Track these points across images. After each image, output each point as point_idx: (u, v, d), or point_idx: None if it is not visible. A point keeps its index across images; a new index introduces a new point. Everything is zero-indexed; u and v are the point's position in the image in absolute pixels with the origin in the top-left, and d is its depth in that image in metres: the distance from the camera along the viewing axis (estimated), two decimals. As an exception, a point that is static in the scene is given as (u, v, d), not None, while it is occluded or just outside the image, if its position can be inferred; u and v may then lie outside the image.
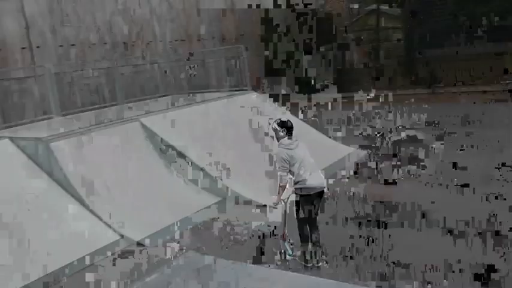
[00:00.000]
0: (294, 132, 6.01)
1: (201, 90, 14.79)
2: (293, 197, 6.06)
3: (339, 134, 12.98)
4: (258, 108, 12.14)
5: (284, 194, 5.99)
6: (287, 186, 5.94)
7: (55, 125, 10.67)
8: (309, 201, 5.88)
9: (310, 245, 5.99)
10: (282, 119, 6.09)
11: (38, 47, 12.73)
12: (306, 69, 21.32)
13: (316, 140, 11.60)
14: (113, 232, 7.54)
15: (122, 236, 7.50)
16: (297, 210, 6.03)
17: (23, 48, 12.43)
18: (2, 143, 8.92)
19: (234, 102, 12.34)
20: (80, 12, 13.82)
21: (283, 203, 6.10)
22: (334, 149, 11.80)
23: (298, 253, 6.12)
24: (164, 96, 15.07)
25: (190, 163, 9.50)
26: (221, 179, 9.19)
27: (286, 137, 5.93)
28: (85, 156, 8.74)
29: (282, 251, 6.21)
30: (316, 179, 5.92)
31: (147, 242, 7.36)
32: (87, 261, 6.86)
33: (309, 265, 5.91)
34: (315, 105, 18.65)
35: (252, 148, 10.24)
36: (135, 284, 2.98)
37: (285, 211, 6.17)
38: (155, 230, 7.67)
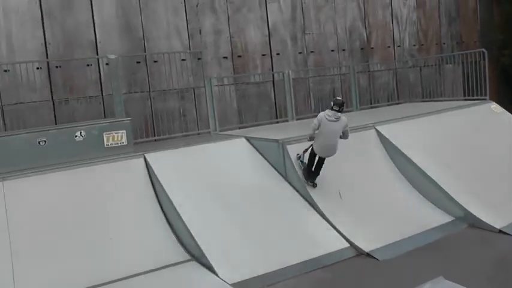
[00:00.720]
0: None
1: (435, 98, 13.99)
2: None
3: None
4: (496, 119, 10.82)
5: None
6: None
7: (290, 129, 10.91)
8: (313, 155, 7.94)
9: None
10: (338, 98, 7.96)
11: (277, 53, 13.10)
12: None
13: None
14: (343, 239, 7.32)
15: (351, 245, 7.24)
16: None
17: (263, 55, 12.90)
18: (238, 142, 9.46)
19: (471, 113, 11.07)
20: (321, 19, 13.88)
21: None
22: None
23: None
24: (398, 103, 14.64)
25: (424, 176, 8.69)
26: (456, 197, 8.20)
27: (331, 108, 7.59)
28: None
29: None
30: (322, 150, 7.82)
31: (378, 254, 6.93)
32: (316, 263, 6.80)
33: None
34: None
35: (489, 165, 9.09)
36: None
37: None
38: (385, 243, 7.22)
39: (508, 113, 11.31)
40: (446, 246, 7.15)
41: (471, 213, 7.83)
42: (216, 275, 6.37)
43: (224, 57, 12.28)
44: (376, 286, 6.03)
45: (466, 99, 13.01)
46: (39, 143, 8.35)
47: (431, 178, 8.56)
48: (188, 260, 6.88)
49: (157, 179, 7.91)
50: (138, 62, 11.20)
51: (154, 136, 10.77)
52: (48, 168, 7.83)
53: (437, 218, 8.09)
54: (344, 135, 7.80)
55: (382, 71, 15.07)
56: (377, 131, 9.62)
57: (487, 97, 12.06)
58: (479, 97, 12.36)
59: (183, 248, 7.13)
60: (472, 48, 15.39)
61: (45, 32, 10.35)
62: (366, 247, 7.09)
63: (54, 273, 6.37)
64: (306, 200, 8.08)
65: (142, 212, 7.62)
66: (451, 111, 10.95)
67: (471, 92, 12.86)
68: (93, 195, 7.58)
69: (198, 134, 11.29)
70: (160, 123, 10.99)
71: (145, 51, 11.28)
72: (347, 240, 7.28)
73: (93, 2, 10.77)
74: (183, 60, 11.45)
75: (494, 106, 11.47)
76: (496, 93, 14.11)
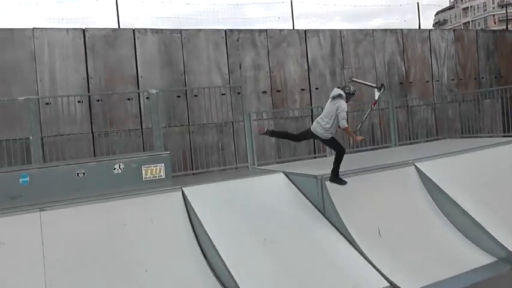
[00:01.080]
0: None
1: (474, 133, 13.76)
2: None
3: None
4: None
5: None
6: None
7: (329, 164, 10.65)
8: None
9: None
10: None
11: (316, 88, 13.08)
12: None
13: None
14: (382, 278, 7.07)
15: (391, 284, 7.00)
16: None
17: (302, 89, 12.91)
18: (276, 176, 9.36)
19: (511, 150, 10.71)
20: (360, 54, 13.88)
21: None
22: None
23: None
24: (437, 139, 14.45)
25: (464, 214, 8.45)
26: (498, 236, 7.91)
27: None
28: (357, 197, 8.49)
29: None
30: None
31: None
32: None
33: None
34: None
35: None
36: None
37: None
38: (426, 283, 6.98)
39: None
40: None
41: None
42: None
43: (263, 92, 12.32)
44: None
45: (505, 136, 12.83)
46: (77, 174, 8.42)
47: (472, 217, 8.33)
48: (226, 296, 6.78)
49: (194, 212, 7.84)
50: (179, 96, 11.32)
51: (193, 170, 10.77)
52: (85, 199, 7.82)
53: (479, 258, 7.83)
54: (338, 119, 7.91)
55: (421, 106, 14.87)
56: (416, 167, 9.44)
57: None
58: None
59: (218, 281, 7.01)
60: (511, 83, 15.18)
61: (88, 67, 10.58)
62: (406, 286, 6.90)
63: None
64: (344, 237, 7.91)
65: (178, 244, 7.55)
66: (491, 147, 10.74)
67: (511, 127, 12.63)
68: (129, 226, 7.52)
69: (236, 168, 11.31)
70: (199, 156, 10.99)
71: (185, 86, 11.40)
72: (386, 278, 7.06)
73: (136, 37, 10.99)
74: (222, 94, 11.51)
75: None
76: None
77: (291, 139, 9.07)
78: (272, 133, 8.82)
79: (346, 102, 7.83)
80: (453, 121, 15.02)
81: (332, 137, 8.17)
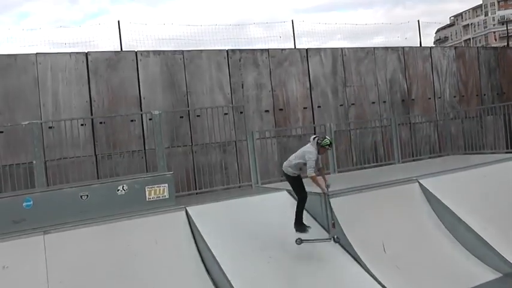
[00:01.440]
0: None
1: (477, 150, 13.78)
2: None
3: None
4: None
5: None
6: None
7: (332, 182, 10.67)
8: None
9: None
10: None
11: (319, 106, 13.11)
12: None
13: None
14: None
15: None
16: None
17: (305, 108, 12.95)
18: (280, 195, 9.40)
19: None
20: (362, 72, 13.93)
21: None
22: None
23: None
24: (440, 156, 14.39)
25: (469, 231, 8.51)
26: (502, 252, 8.01)
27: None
28: (361, 214, 8.57)
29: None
30: None
31: None
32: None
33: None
34: None
35: None
36: None
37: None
38: None
39: None
40: None
41: None
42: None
43: (266, 111, 12.36)
44: None
45: (508, 152, 12.87)
46: (81, 197, 8.41)
47: (476, 233, 8.38)
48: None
49: (198, 231, 7.86)
50: (181, 117, 11.36)
51: (196, 189, 10.75)
52: (89, 221, 7.84)
53: (484, 274, 7.90)
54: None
55: (423, 123, 14.88)
56: (420, 184, 9.50)
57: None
58: None
59: None
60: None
61: (91, 90, 10.65)
62: None
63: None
64: (349, 253, 7.91)
65: (183, 264, 7.55)
66: (494, 164, 10.76)
67: None
68: (133, 248, 7.53)
69: (240, 187, 11.26)
70: (202, 176, 10.96)
71: (188, 106, 11.45)
72: None
73: (138, 60, 11.08)
74: (225, 114, 11.54)
75: None
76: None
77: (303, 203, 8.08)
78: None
79: (318, 153, 7.60)
80: (456, 138, 14.97)
81: (299, 177, 7.90)
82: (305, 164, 7.53)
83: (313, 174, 7.45)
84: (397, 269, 7.60)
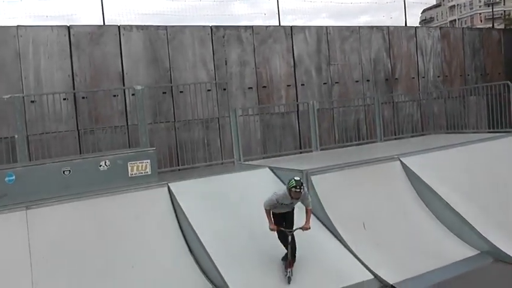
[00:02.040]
0: None
1: (460, 129, 14.06)
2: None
3: None
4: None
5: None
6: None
7: (314, 159, 10.96)
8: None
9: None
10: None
11: (302, 84, 13.11)
12: None
13: None
14: (366, 271, 7.26)
15: (375, 277, 7.18)
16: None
17: (288, 85, 12.94)
18: (262, 171, 9.49)
19: (495, 145, 10.99)
20: (346, 50, 13.93)
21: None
22: None
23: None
24: (422, 135, 14.64)
25: (448, 208, 8.67)
26: (481, 230, 8.20)
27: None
28: (342, 192, 8.69)
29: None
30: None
31: (403, 287, 6.95)
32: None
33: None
34: None
35: None
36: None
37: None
38: (410, 275, 7.22)
39: None
40: (472, 281, 7.21)
41: (497, 247, 7.82)
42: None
43: (249, 88, 12.34)
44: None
45: (490, 132, 13.06)
46: (63, 172, 8.41)
47: (455, 211, 8.54)
48: (210, 290, 6.82)
49: (180, 208, 7.90)
50: (164, 93, 11.29)
51: (178, 166, 10.73)
52: (71, 197, 7.83)
53: (462, 251, 8.09)
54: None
55: (407, 102, 15.00)
56: (402, 162, 9.59)
57: (512, 129, 12.02)
58: (503, 129, 12.37)
59: (206, 277, 7.12)
60: (497, 80, 15.44)
61: (73, 64, 10.52)
62: (391, 279, 7.07)
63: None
64: (329, 230, 8.04)
65: (164, 240, 7.61)
66: (475, 143, 10.93)
67: (495, 124, 12.90)
68: (115, 223, 7.57)
69: (222, 163, 11.27)
70: (185, 153, 10.97)
71: (171, 82, 11.38)
72: (371, 271, 7.23)
73: (121, 34, 10.95)
74: (208, 90, 11.50)
75: None
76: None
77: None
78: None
79: (292, 197, 6.66)
80: (438, 117, 15.18)
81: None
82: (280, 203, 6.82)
83: (265, 208, 6.89)
84: (376, 246, 7.71)
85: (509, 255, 7.62)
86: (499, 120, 12.60)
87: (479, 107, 15.38)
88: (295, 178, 6.62)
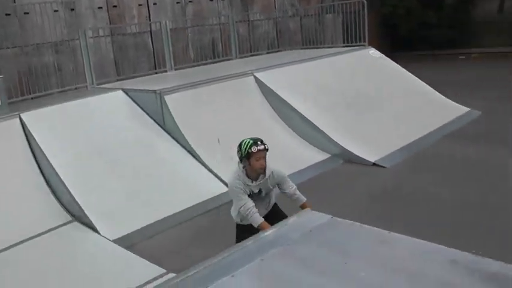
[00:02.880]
0: None
1: (316, 45, 14.54)
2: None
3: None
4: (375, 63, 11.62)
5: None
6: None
7: (169, 79, 10.97)
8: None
9: None
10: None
11: (154, 3, 12.91)
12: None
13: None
14: (222, 184, 7.48)
15: None
16: None
17: (140, 5, 12.65)
18: (116, 94, 9.36)
19: (350, 58, 11.79)
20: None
21: None
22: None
23: None
24: (278, 51, 14.99)
25: (301, 118, 9.29)
26: (332, 135, 8.93)
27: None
28: (197, 109, 8.84)
29: None
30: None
31: None
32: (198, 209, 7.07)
33: None
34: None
35: (372, 108, 9.93)
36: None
37: None
38: None
39: (387, 57, 12.22)
40: (326, 180, 7.83)
41: (347, 150, 8.64)
42: (98, 233, 6.36)
43: (99, 8, 11.86)
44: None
45: (345, 46, 13.75)
46: None
47: (308, 119, 9.13)
48: (70, 222, 6.75)
49: (34, 139, 7.61)
50: (8, 15, 10.48)
51: (31, 94, 10.28)
52: None
53: (315, 156, 8.76)
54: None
55: (263, 20, 15.31)
56: (255, 77, 9.89)
57: (366, 43, 12.91)
58: (357, 43, 13.15)
59: (65, 210, 6.96)
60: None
61: None
62: None
63: None
64: (185, 149, 8.26)
65: (19, 176, 7.28)
66: (330, 56, 11.50)
67: (351, 39, 13.60)
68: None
69: (76, 88, 10.94)
70: (36, 79, 10.51)
71: (14, 2, 10.57)
72: (226, 184, 7.36)
73: None
74: (55, 11, 10.93)
75: (373, 51, 12.30)
76: (377, 41, 14.88)
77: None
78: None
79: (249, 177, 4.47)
80: (295, 34, 15.71)
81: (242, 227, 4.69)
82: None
83: (260, 221, 4.32)
84: (231, 160, 7.83)
85: (357, 156, 8.44)
86: (354, 36, 13.27)
87: (335, 25, 16.01)
88: (247, 139, 4.41)
